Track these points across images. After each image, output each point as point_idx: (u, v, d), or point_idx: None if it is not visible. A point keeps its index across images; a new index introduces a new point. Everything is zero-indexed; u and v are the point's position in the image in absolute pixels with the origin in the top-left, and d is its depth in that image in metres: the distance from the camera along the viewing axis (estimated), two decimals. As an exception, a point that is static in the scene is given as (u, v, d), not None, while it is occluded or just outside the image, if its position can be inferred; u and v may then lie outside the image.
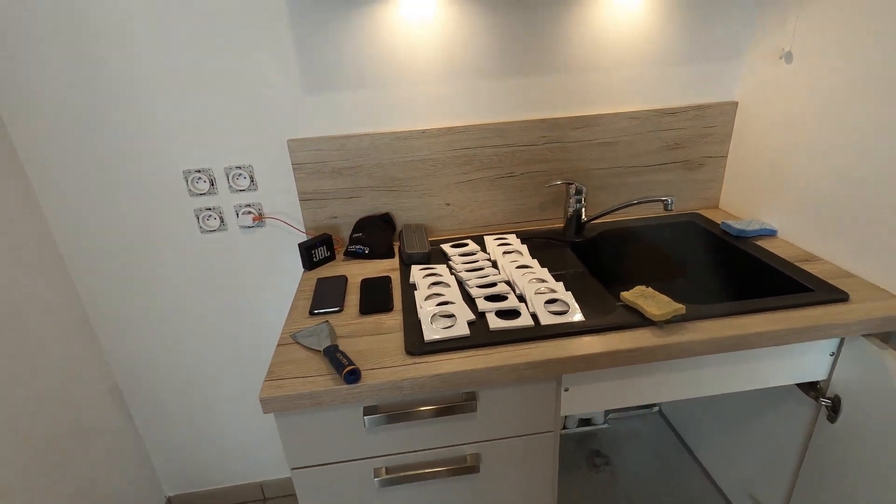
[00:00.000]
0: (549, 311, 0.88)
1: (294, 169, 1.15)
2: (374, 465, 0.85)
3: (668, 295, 0.88)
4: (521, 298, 0.94)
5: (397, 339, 0.86)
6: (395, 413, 0.80)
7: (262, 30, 1.05)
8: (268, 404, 0.74)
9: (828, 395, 0.94)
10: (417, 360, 0.80)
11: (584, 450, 1.56)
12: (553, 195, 1.27)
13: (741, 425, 1.26)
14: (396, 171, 1.19)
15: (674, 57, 1.19)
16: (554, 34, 1.13)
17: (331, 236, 1.18)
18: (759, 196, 1.19)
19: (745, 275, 1.08)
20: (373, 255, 1.17)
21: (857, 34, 0.90)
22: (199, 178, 1.15)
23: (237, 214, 1.20)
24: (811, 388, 0.97)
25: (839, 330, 0.83)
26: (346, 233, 1.24)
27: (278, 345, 0.86)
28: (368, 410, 0.80)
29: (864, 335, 0.86)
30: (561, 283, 0.96)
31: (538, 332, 0.83)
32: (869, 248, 0.93)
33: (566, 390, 0.86)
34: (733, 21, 1.16)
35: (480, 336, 0.83)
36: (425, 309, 0.90)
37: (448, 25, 1.09)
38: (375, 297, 0.98)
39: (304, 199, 1.19)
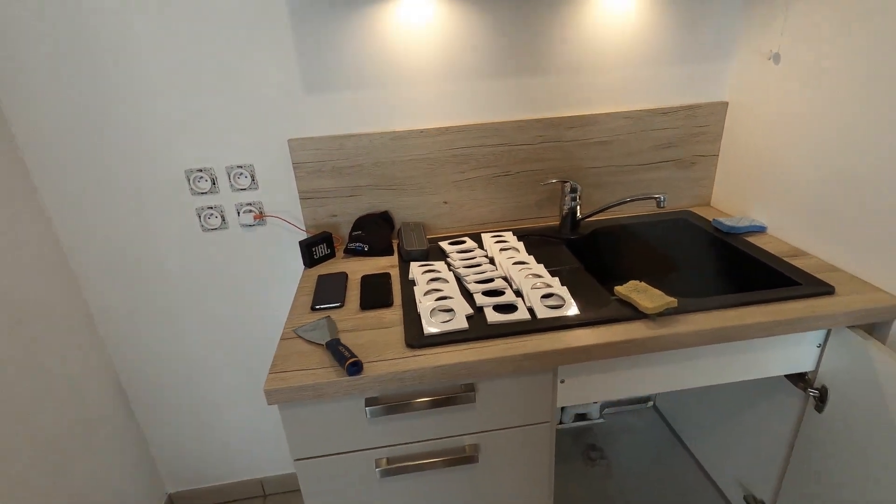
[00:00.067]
0: (546, 306, 0.90)
1: (294, 168, 1.17)
2: (376, 456, 0.87)
3: (660, 289, 0.90)
4: (518, 293, 0.96)
5: (397, 332, 0.88)
6: (395, 404, 0.82)
7: (262, 30, 1.07)
8: (272, 396, 0.76)
9: (815, 385, 0.97)
10: (417, 352, 0.82)
11: (579, 444, 1.59)
12: (549, 193, 1.30)
13: (733, 418, 1.29)
14: (395, 170, 1.21)
15: (666, 58, 1.21)
16: (550, 36, 1.16)
17: (331, 234, 1.20)
18: (749, 194, 1.22)
19: (735, 270, 1.11)
20: (372, 253, 1.19)
21: (843, 35, 0.93)
22: (201, 178, 1.17)
23: (238, 213, 1.22)
24: (799, 380, 1.00)
25: (825, 322, 0.86)
26: (345, 231, 1.26)
27: (281, 339, 0.88)
28: (370, 402, 0.82)
29: (849, 327, 0.89)
30: (557, 279, 0.99)
31: (535, 326, 0.85)
32: (854, 244, 0.96)
33: (562, 382, 0.89)
34: (723, 23, 1.19)
35: (479, 329, 0.85)
36: (424, 304, 0.93)
37: (446, 27, 1.12)
38: (375, 293, 1.00)
39: (305, 197, 1.21)
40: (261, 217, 1.23)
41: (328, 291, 1.03)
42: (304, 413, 0.82)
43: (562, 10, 1.14)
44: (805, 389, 0.99)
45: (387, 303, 0.97)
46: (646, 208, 1.35)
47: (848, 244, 0.97)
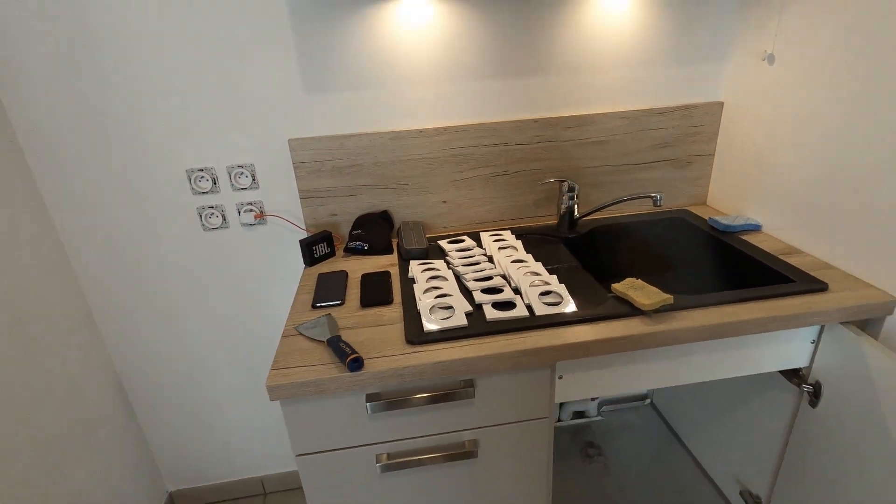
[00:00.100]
0: (544, 303, 0.92)
1: (295, 168, 1.18)
2: (376, 452, 0.88)
3: (657, 287, 0.92)
4: (517, 291, 0.98)
5: (397, 329, 0.89)
6: (396, 400, 0.83)
7: (263, 31, 1.08)
8: (274, 392, 0.78)
9: (809, 381, 0.99)
10: (417, 349, 0.83)
11: (578, 441, 1.60)
12: (547, 192, 1.31)
13: (729, 414, 1.31)
14: (394, 169, 1.22)
15: (662, 59, 1.23)
16: (547, 37, 1.17)
17: (331, 233, 1.21)
18: (744, 193, 1.24)
19: (730, 267, 1.12)
20: (372, 252, 1.20)
21: (836, 37, 0.95)
22: (202, 177, 1.18)
23: (239, 212, 1.23)
24: (794, 375, 1.02)
25: (819, 318, 0.88)
26: (345, 230, 1.27)
27: (283, 336, 0.89)
28: (371, 397, 0.83)
29: (842, 323, 0.91)
30: (554, 277, 1.00)
31: (533, 322, 0.87)
32: (847, 242, 0.97)
33: (560, 378, 0.90)
34: (718, 24, 1.21)
35: (478, 326, 0.86)
36: (424, 301, 0.94)
37: (445, 27, 1.13)
38: (375, 291, 1.02)
39: (305, 197, 1.22)
40: (261, 216, 1.24)
41: (329, 290, 1.04)
42: (306, 409, 0.83)
43: (560, 11, 1.15)
44: (799, 385, 1.00)
45: (387, 300, 0.98)
46: (643, 207, 1.37)
47: (841, 242, 0.99)
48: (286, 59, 1.11)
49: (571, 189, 1.22)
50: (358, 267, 1.15)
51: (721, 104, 1.28)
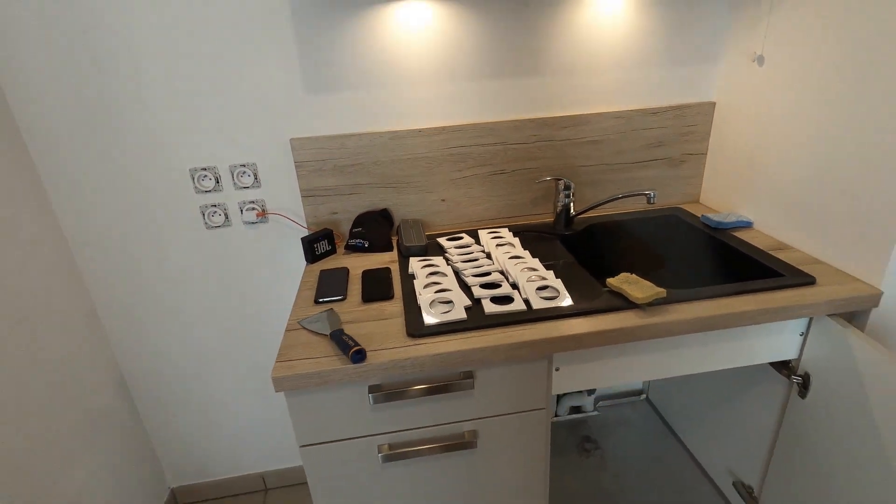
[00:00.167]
0: (541, 297, 0.94)
1: (296, 167, 1.21)
2: (378, 442, 0.90)
3: (651, 281, 0.94)
4: (514, 286, 1.00)
5: (398, 323, 0.91)
6: (397, 391, 0.85)
7: (265, 33, 1.10)
8: (279, 383, 0.80)
9: (798, 372, 1.02)
10: (418, 341, 0.85)
11: (575, 436, 1.63)
12: (543, 191, 1.34)
13: (722, 408, 1.33)
14: (394, 168, 1.25)
15: (655, 60, 1.26)
16: (543, 39, 1.20)
17: (332, 231, 1.23)
18: (736, 190, 1.27)
19: (722, 263, 1.15)
20: (372, 249, 1.23)
21: (822, 39, 0.98)
22: (205, 176, 1.20)
23: (241, 211, 1.25)
24: (784, 367, 1.05)
25: (807, 310, 0.91)
26: (346, 228, 1.30)
27: (287, 330, 0.91)
28: (373, 389, 0.85)
29: (829, 315, 0.94)
30: (551, 272, 1.02)
31: (530, 315, 0.89)
32: (835, 237, 1.00)
33: (557, 370, 0.93)
34: (709, 26, 1.24)
35: (476, 319, 0.89)
36: (424, 296, 0.96)
37: (443, 30, 1.15)
38: (376, 287, 1.04)
39: (306, 195, 1.24)
40: (263, 214, 1.26)
41: (330, 285, 1.06)
42: (310, 401, 0.85)
43: (555, 13, 1.18)
44: (789, 377, 1.03)
45: (387, 296, 1.01)
46: (637, 205, 1.40)
47: (829, 238, 1.02)
48: (288, 61, 1.13)
49: (567, 187, 1.25)
50: (359, 264, 1.17)
51: (713, 104, 1.31)
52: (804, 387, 1.01)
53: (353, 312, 0.96)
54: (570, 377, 0.93)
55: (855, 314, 0.96)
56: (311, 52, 1.13)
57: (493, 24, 1.17)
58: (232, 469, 1.58)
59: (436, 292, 0.97)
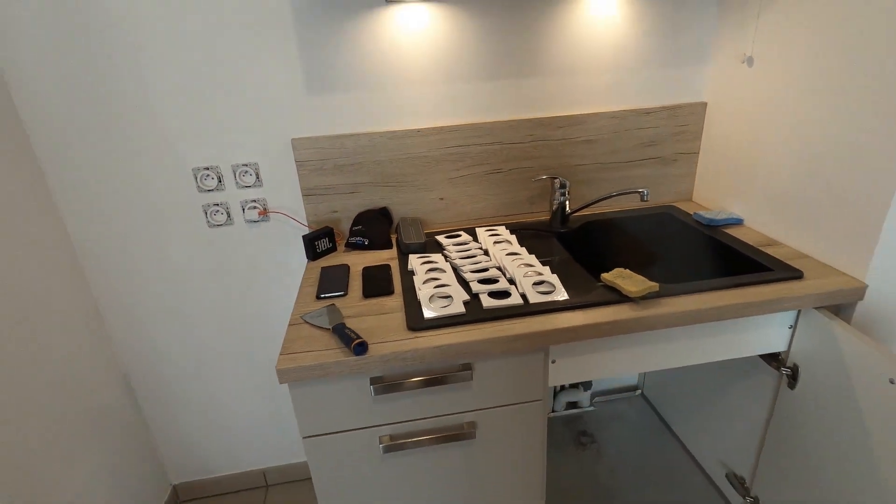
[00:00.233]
0: (537, 291, 0.97)
1: (297, 166, 1.23)
2: (380, 433, 0.93)
3: (644, 277, 0.97)
4: (511, 281, 1.03)
5: (399, 318, 0.94)
6: (398, 383, 0.88)
7: (267, 35, 1.13)
8: (284, 375, 0.82)
9: (788, 364, 1.05)
10: (418, 334, 0.88)
11: (571, 430, 1.66)
12: (539, 189, 1.37)
13: (715, 401, 1.36)
14: (393, 167, 1.27)
15: (648, 62, 1.29)
16: (539, 41, 1.23)
17: (332, 229, 1.25)
18: (727, 189, 1.30)
19: (713, 259, 1.18)
20: (372, 247, 1.25)
21: (809, 41, 1.01)
22: (208, 175, 1.22)
23: (243, 209, 1.27)
24: (773, 359, 1.08)
25: (794, 303, 0.94)
26: (346, 226, 1.32)
27: (289, 325, 0.94)
28: (374, 381, 0.88)
29: (816, 308, 0.97)
30: (547, 268, 1.05)
31: (527, 309, 0.92)
32: (822, 233, 1.03)
33: (553, 362, 0.95)
34: (700, 29, 1.27)
35: (475, 313, 0.91)
36: (424, 291, 0.99)
37: (441, 32, 1.18)
38: (377, 283, 1.06)
39: (307, 194, 1.26)
40: (265, 213, 1.28)
41: (332, 282, 1.09)
42: (313, 393, 0.87)
43: (550, 16, 1.21)
44: (778, 368, 1.06)
45: (388, 291, 1.03)
46: (631, 203, 1.43)
47: (816, 234, 1.05)
48: (289, 62, 1.16)
49: (563, 186, 1.28)
50: (359, 261, 1.20)
51: (704, 104, 1.34)
52: (793, 378, 1.04)
53: (355, 307, 0.99)
54: (566, 369, 0.96)
55: (841, 307, 0.99)
56: (312, 54, 1.15)
57: (490, 26, 1.19)
58: (233, 465, 1.60)
59: (435, 287, 1.00)
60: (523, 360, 0.92)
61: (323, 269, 1.16)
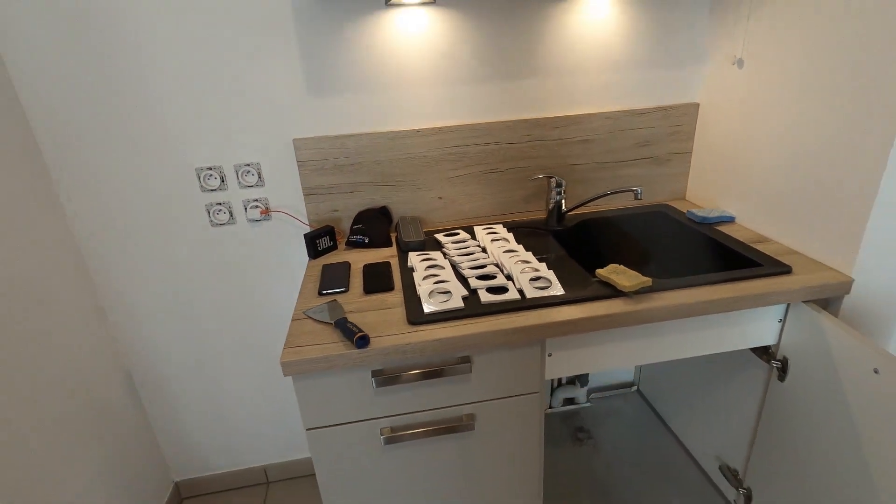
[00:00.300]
0: (534, 287, 0.99)
1: (299, 166, 1.26)
2: (381, 425, 0.95)
3: (638, 272, 1.00)
4: (509, 277, 1.05)
5: (399, 312, 0.96)
6: (399, 375, 0.90)
7: (269, 37, 1.15)
8: (288, 367, 0.84)
9: (778, 357, 1.08)
10: (418, 328, 0.90)
11: (568, 426, 1.68)
12: (536, 188, 1.40)
13: (708, 396, 1.39)
14: (393, 167, 1.30)
15: (642, 63, 1.32)
16: (536, 43, 1.26)
17: (333, 228, 1.28)
18: (719, 187, 1.33)
19: (706, 255, 1.21)
20: (372, 245, 1.28)
21: (797, 44, 1.04)
22: (211, 175, 1.25)
23: (245, 209, 1.29)
24: (764, 353, 1.11)
25: (783, 297, 0.97)
26: (346, 225, 1.34)
27: (293, 320, 0.96)
28: (376, 373, 0.90)
29: (805, 302, 1.00)
30: (544, 264, 1.08)
31: (524, 304, 0.94)
32: (810, 230, 1.06)
33: (550, 356, 0.98)
34: (692, 31, 1.30)
35: (473, 308, 0.94)
36: (423, 287, 1.01)
37: (440, 34, 1.21)
38: (377, 279, 1.09)
39: (308, 193, 1.29)
40: (267, 212, 1.30)
41: (333, 279, 1.11)
42: (316, 385, 0.90)
43: (546, 19, 1.24)
44: (769, 362, 1.09)
45: (388, 287, 1.05)
46: (626, 202, 1.45)
47: (805, 230, 1.08)
48: (291, 64, 1.18)
49: (559, 185, 1.30)
50: (359, 258, 1.22)
51: (697, 105, 1.37)
52: (783, 371, 1.07)
53: (356, 303, 1.01)
54: (562, 362, 0.99)
55: (829, 301, 1.02)
56: (314, 55, 1.18)
57: (487, 29, 1.22)
58: (234, 462, 1.62)
59: (434, 284, 1.02)
60: (520, 353, 0.94)
61: (324, 266, 1.18)
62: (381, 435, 0.95)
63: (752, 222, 1.23)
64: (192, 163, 1.23)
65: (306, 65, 1.19)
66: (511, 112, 1.32)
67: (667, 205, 1.43)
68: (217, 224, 1.30)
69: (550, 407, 1.76)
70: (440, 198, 1.36)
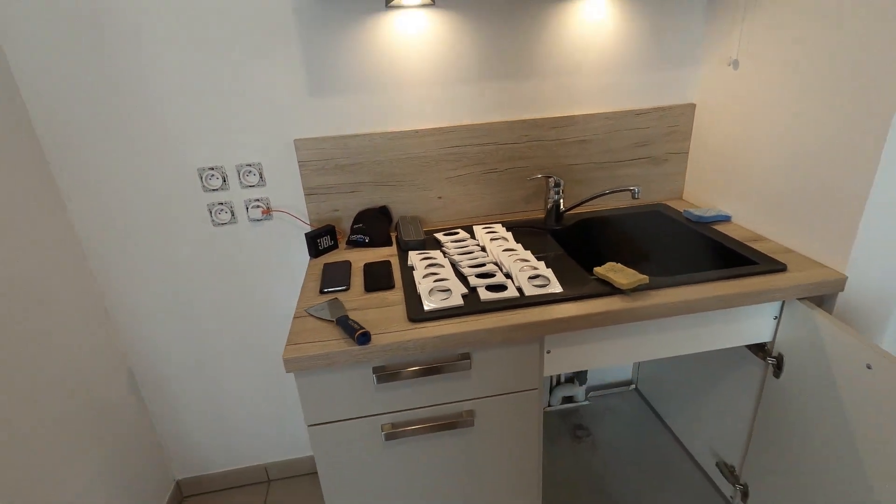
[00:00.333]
0: (533, 285, 1.01)
1: (300, 166, 1.27)
2: (381, 422, 0.96)
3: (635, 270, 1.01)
4: (508, 275, 1.07)
5: (400, 310, 0.97)
6: (399, 372, 0.91)
7: (270, 38, 1.16)
8: (290, 364, 0.85)
9: (773, 354, 1.09)
10: (419, 325, 0.91)
11: (567, 424, 1.70)
12: (534, 188, 1.41)
13: (705, 393, 1.41)
14: (393, 167, 1.31)
15: (639, 65, 1.34)
16: (534, 44, 1.27)
17: (334, 227, 1.29)
18: (716, 187, 1.35)
19: (702, 254, 1.23)
20: (373, 244, 1.29)
21: (792, 45, 1.06)
22: (213, 175, 1.26)
23: (247, 208, 1.30)
24: (759, 350, 1.12)
25: (778, 294, 0.98)
26: (347, 224, 1.36)
27: (294, 318, 0.97)
28: (377, 370, 0.91)
29: (799, 299, 1.01)
30: (542, 263, 1.09)
31: (523, 301, 0.96)
32: (804, 228, 1.08)
33: (548, 352, 0.99)
34: (688, 33, 1.32)
35: (473, 305, 0.95)
36: (423, 285, 1.02)
37: (440, 36, 1.22)
38: (378, 278, 1.10)
39: (309, 193, 1.30)
40: (268, 212, 1.32)
41: (334, 277, 1.12)
42: (318, 382, 0.91)
43: (544, 20, 1.25)
44: (764, 358, 1.10)
45: (389, 285, 1.07)
46: (623, 201, 1.47)
47: (800, 229, 1.09)
48: (292, 65, 1.20)
49: (557, 185, 1.32)
50: (360, 257, 1.23)
51: (693, 106, 1.39)
52: (778, 367, 1.08)
53: (357, 301, 1.02)
54: (561, 359, 1.00)
55: (824, 298, 1.03)
56: (314, 57, 1.19)
57: (486, 30, 1.24)
58: (235, 461, 1.63)
59: (434, 282, 1.04)
60: (520, 350, 0.96)
61: (325, 265, 1.19)
62: (382, 431, 0.96)
63: (747, 221, 1.25)
64: (193, 163, 1.24)
65: (307, 65, 1.20)
66: (510, 112, 1.33)
67: (664, 204, 1.44)
68: (219, 224, 1.31)
69: (549, 405, 1.77)
70: (440, 197, 1.37)
